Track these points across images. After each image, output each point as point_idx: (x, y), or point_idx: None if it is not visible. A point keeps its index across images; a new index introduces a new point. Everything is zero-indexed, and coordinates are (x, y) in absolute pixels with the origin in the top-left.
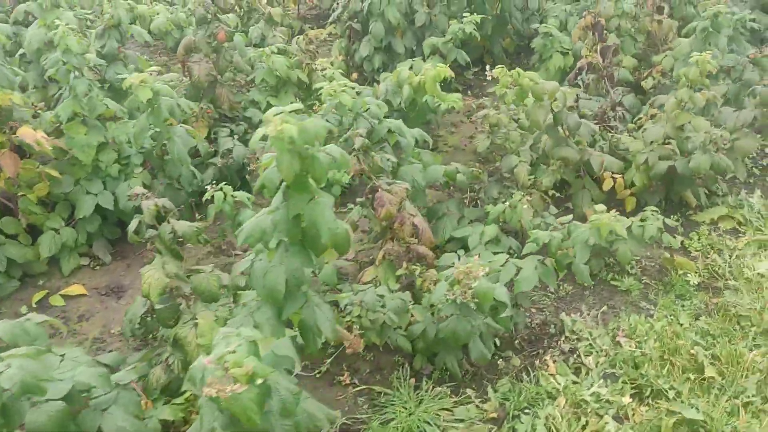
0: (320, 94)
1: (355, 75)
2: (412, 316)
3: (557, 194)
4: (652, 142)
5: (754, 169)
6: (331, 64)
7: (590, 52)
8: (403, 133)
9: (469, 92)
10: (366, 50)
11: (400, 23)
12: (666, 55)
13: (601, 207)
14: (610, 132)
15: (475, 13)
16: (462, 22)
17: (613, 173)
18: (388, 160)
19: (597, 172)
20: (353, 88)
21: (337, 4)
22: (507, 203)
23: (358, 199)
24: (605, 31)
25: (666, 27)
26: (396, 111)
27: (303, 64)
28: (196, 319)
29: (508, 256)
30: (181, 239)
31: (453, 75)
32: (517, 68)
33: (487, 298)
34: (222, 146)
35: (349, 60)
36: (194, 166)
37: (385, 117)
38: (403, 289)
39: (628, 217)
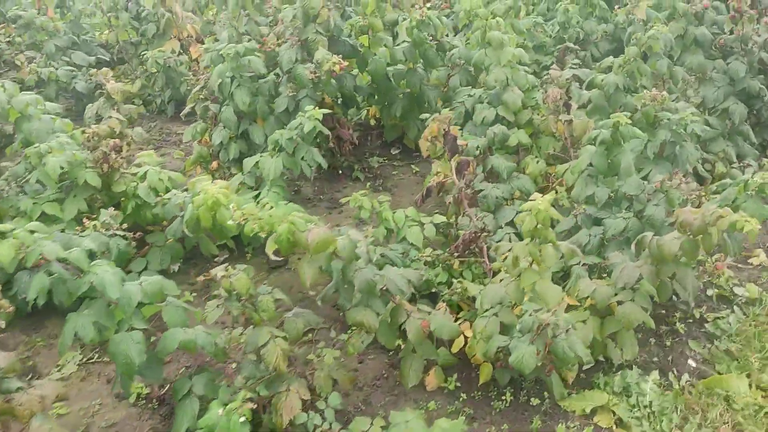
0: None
1: (215, 164)
2: None
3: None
4: (489, 308)
5: (676, 324)
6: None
7: (443, 168)
8: (105, 292)
9: (369, 185)
10: (219, 137)
11: (258, 108)
12: (569, 167)
13: None
14: (483, 265)
15: (376, 95)
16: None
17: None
18: None
19: (414, 343)
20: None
21: (197, 80)
22: (222, 409)
23: None
24: (457, 142)
25: (579, 128)
26: None
27: (99, 163)
28: None
29: None
30: None
31: (227, 200)
32: (268, 204)
33: None
34: None
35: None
36: None
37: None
38: None
39: (478, 391)
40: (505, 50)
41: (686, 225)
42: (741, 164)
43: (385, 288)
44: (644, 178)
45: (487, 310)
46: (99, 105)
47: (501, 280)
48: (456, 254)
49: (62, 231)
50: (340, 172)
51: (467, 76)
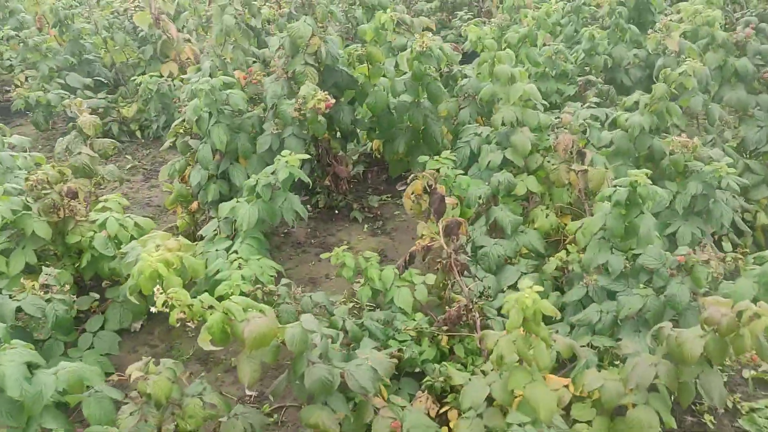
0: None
1: (194, 205)
2: None
3: None
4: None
5: (704, 416)
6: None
7: (429, 230)
8: (4, 389)
9: (367, 227)
10: (197, 177)
11: (239, 147)
12: (582, 226)
13: None
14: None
15: (377, 129)
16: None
17: None
18: None
19: None
20: None
21: (180, 111)
22: None
23: None
24: (445, 201)
25: (595, 179)
26: None
27: (49, 212)
28: None
29: None
30: None
31: (168, 271)
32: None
33: None
34: None
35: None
36: None
37: None
38: None
39: None
40: (515, 86)
41: (712, 322)
42: None
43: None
44: (672, 235)
45: (465, 414)
46: (70, 139)
47: (492, 370)
48: (445, 328)
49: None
50: (337, 211)
51: (478, 110)
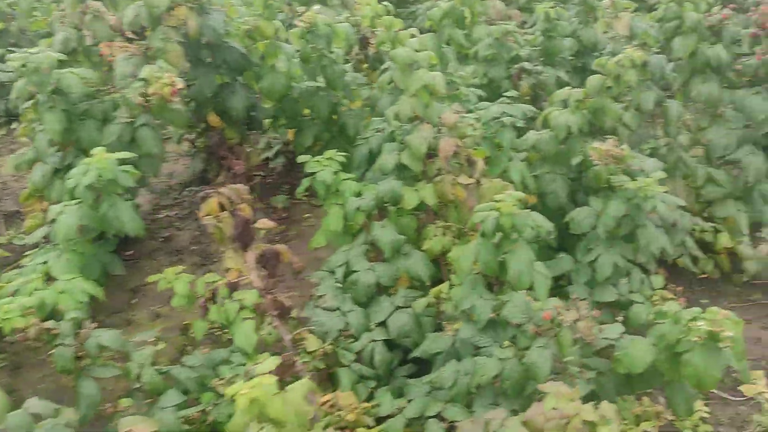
0: None
1: (45, 203)
2: None
3: None
4: None
5: None
6: None
7: (236, 261)
8: None
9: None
10: (39, 172)
11: (84, 137)
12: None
13: None
14: None
15: (281, 117)
16: None
17: None
18: None
19: None
20: None
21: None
22: None
23: None
24: (250, 226)
25: (490, 194)
26: None
27: None
28: None
29: None
30: None
31: None
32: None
33: None
34: None
35: None
36: None
37: None
38: None
39: None
40: (415, 75)
41: (534, 428)
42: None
43: None
44: (593, 262)
45: None
46: None
47: None
48: None
49: None
50: None
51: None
